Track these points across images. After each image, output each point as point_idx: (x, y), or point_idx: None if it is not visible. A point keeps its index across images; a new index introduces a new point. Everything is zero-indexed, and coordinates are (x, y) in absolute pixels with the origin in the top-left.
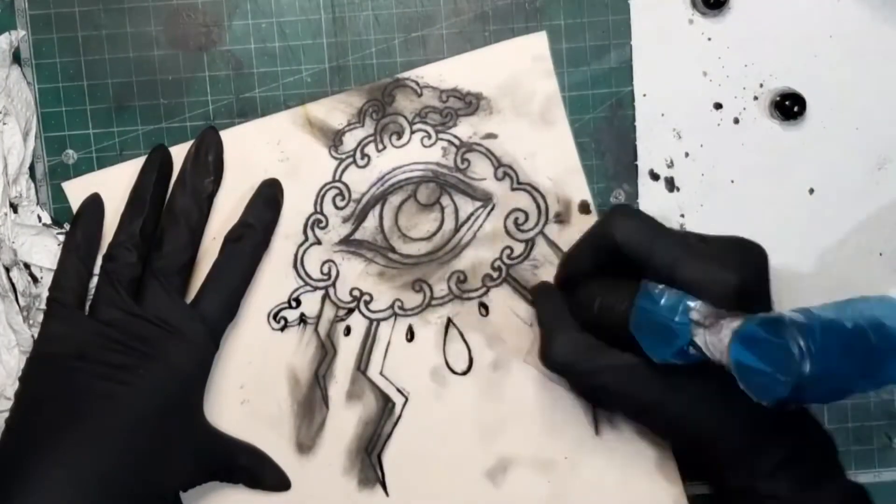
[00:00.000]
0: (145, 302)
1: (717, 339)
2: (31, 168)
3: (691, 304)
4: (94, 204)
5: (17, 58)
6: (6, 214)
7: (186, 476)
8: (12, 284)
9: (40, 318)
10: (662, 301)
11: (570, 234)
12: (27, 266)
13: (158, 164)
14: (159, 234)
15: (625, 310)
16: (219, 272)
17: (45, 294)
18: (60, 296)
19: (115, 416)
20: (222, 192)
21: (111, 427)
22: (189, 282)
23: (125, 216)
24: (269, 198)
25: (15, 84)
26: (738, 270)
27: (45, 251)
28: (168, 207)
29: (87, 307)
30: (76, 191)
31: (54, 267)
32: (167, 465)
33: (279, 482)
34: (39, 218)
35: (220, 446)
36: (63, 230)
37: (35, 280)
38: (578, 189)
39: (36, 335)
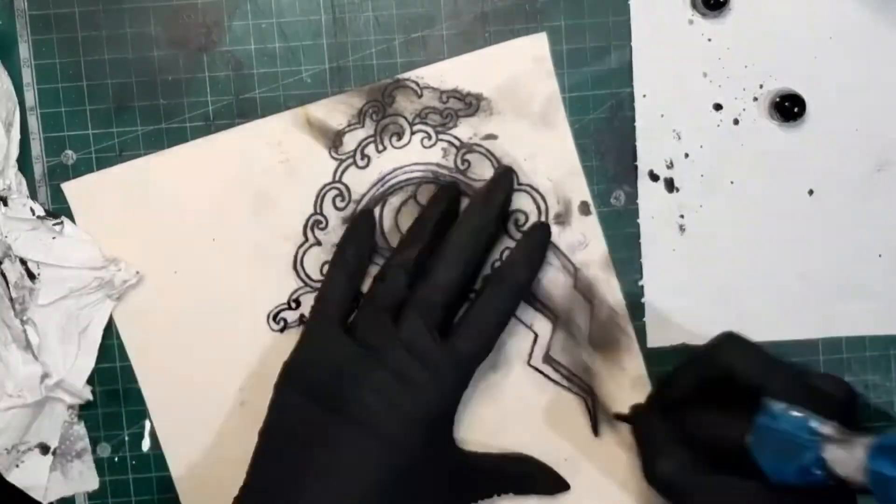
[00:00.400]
0: (402, 330)
1: (849, 454)
2: (28, 165)
3: (818, 422)
4: (367, 218)
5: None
6: None
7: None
8: (4, 277)
9: (32, 312)
10: (789, 417)
11: (570, 235)
12: (23, 262)
13: (447, 198)
14: (430, 263)
15: (740, 434)
16: (479, 309)
17: (41, 288)
18: (325, 308)
19: (361, 464)
20: (221, 194)
21: (356, 479)
22: (451, 320)
23: (404, 241)
24: (539, 240)
25: None
26: (847, 402)
27: (41, 246)
28: (448, 239)
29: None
30: (75, 192)
31: (50, 261)
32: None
33: (556, 484)
34: (33, 211)
35: (479, 466)
36: (59, 222)
37: (32, 276)
38: (578, 190)
39: (32, 328)
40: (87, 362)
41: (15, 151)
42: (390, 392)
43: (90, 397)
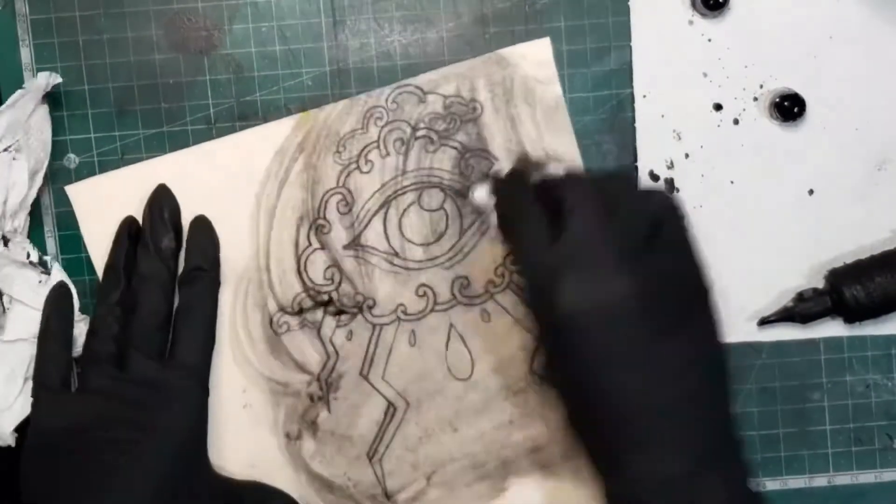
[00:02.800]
0: (130, 369)
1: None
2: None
3: None
4: (62, 292)
5: (49, 98)
6: None
7: None
8: None
9: None
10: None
11: None
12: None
13: (126, 234)
14: (132, 299)
15: None
16: (185, 319)
17: (6, 325)
18: (45, 380)
19: (124, 489)
20: (230, 200)
21: (123, 501)
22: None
23: (102, 291)
24: (207, 235)
25: (37, 123)
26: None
27: (25, 284)
28: (138, 273)
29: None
30: (78, 195)
31: (28, 302)
32: None
33: None
34: (28, 255)
35: (229, 493)
36: (46, 272)
37: (3, 309)
38: None
39: None
40: (24, 407)
41: (32, 197)
42: (130, 432)
43: (12, 443)
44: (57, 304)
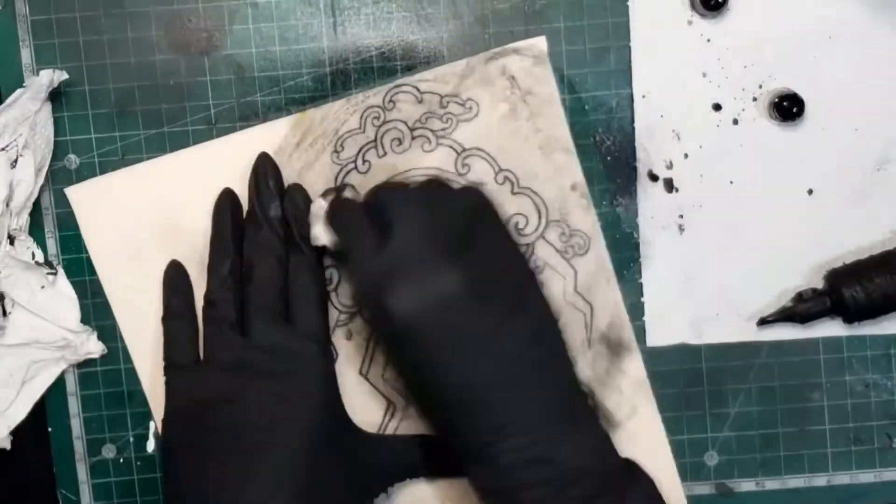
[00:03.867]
0: (253, 337)
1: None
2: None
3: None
4: (177, 271)
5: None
6: (0, 242)
7: (366, 492)
8: None
9: None
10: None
11: (569, 237)
12: (2, 297)
13: (229, 206)
14: (247, 269)
15: None
16: (298, 286)
17: (8, 328)
18: (175, 359)
19: (269, 467)
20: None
21: (267, 480)
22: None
23: (213, 262)
24: (304, 200)
25: (42, 121)
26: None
27: (26, 288)
28: (249, 242)
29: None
30: (79, 196)
31: (30, 308)
32: (339, 490)
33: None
34: (33, 255)
35: (386, 449)
36: (53, 272)
37: (5, 313)
38: (578, 191)
39: None
40: (19, 413)
41: (35, 195)
42: (267, 399)
43: (7, 446)
44: (174, 283)
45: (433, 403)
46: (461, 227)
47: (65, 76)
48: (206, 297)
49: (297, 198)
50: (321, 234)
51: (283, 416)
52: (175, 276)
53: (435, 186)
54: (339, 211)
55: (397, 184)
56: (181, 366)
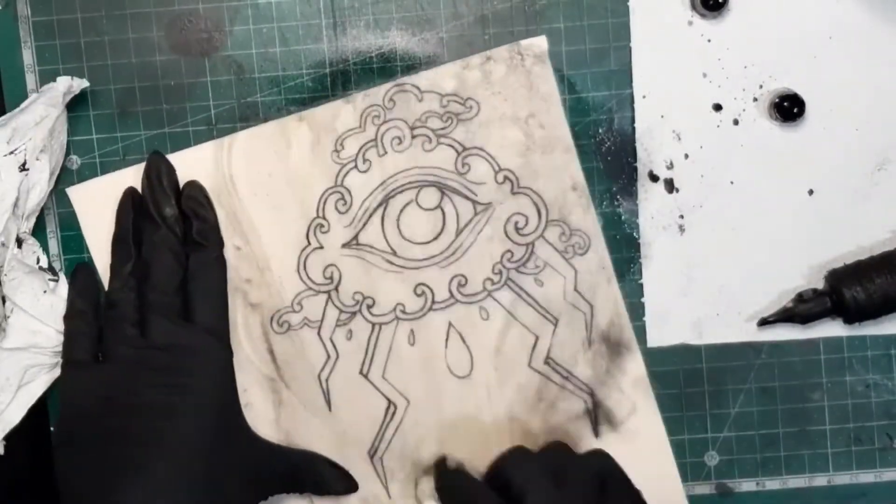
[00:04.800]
0: (152, 334)
1: None
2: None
3: None
4: (85, 272)
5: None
6: (8, 246)
7: (251, 494)
8: None
9: None
10: None
11: (570, 237)
12: (3, 300)
13: (130, 205)
14: (145, 267)
15: None
16: (197, 283)
17: (8, 330)
18: (73, 356)
19: (164, 455)
20: (230, 201)
21: (163, 468)
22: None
23: (114, 263)
24: (203, 197)
25: (58, 126)
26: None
27: (30, 292)
28: (146, 241)
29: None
30: (80, 196)
31: (30, 311)
32: (229, 487)
33: (347, 485)
34: (38, 259)
35: (278, 457)
36: (55, 278)
37: (4, 316)
38: (578, 191)
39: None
40: (14, 417)
41: (45, 199)
42: (164, 394)
43: (0, 451)
44: (81, 284)
45: None
46: (591, 492)
47: (85, 84)
48: (108, 297)
49: (197, 194)
50: None
51: (178, 410)
52: (81, 277)
53: (559, 451)
54: (455, 480)
55: (519, 452)
56: (79, 362)
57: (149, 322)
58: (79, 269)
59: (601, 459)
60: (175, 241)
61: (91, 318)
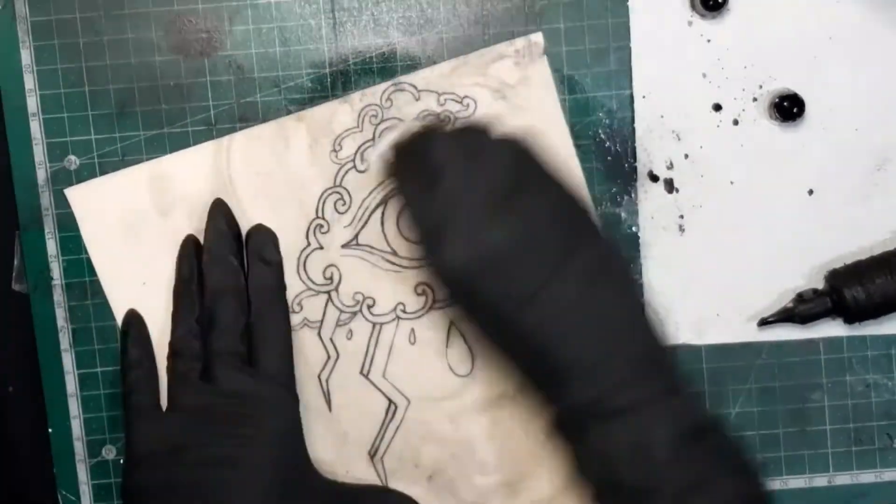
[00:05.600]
0: (218, 383)
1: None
2: (31, 170)
3: None
4: (137, 319)
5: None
6: None
7: None
8: None
9: None
10: None
11: None
12: None
13: (192, 251)
14: (208, 315)
15: None
16: (261, 327)
17: None
18: (136, 404)
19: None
20: (229, 201)
21: None
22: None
23: (177, 311)
24: (266, 238)
25: None
26: None
27: None
28: (209, 288)
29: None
30: (78, 197)
31: None
32: None
33: None
34: None
35: (343, 496)
36: None
37: None
38: (577, 189)
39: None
40: None
41: None
42: (232, 445)
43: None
44: (135, 334)
45: (499, 346)
46: (507, 176)
47: None
48: (172, 347)
49: (265, 237)
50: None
51: (244, 461)
52: (134, 327)
53: (477, 132)
54: (399, 154)
55: (436, 128)
56: (145, 411)
57: (215, 371)
58: (130, 320)
59: (518, 143)
60: (239, 287)
61: (149, 365)
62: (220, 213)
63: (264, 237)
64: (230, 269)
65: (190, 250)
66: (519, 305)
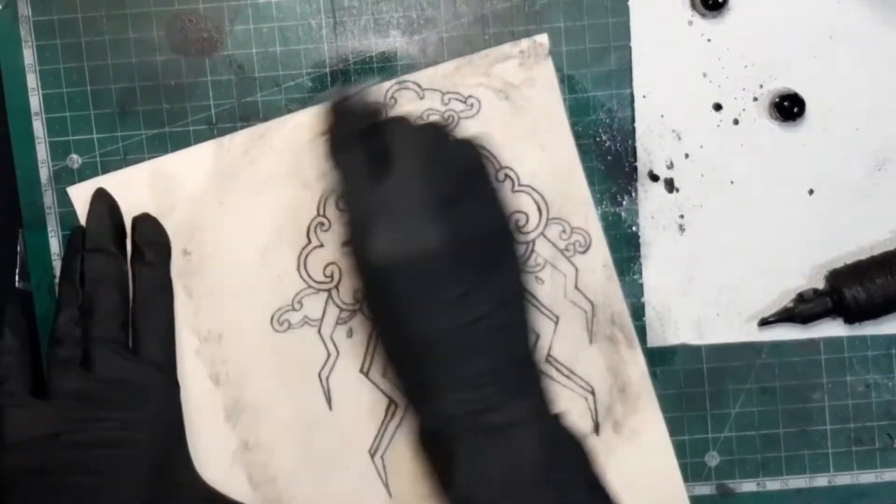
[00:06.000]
0: (98, 369)
1: None
2: (33, 169)
3: None
4: (14, 307)
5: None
6: None
7: None
8: None
9: None
10: None
11: (570, 236)
12: None
13: (80, 241)
14: (88, 302)
15: None
16: (143, 315)
17: None
18: (9, 391)
19: (114, 484)
20: (231, 199)
21: (113, 497)
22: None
23: (60, 300)
24: (153, 228)
25: None
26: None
27: None
28: (88, 276)
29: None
30: (81, 196)
31: None
32: None
33: None
34: None
35: (215, 500)
36: None
37: None
38: (579, 190)
39: None
40: None
41: None
42: (110, 430)
43: None
44: (11, 319)
45: (393, 345)
46: (454, 180)
47: None
48: (53, 334)
49: (150, 222)
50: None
51: (126, 442)
52: (11, 313)
53: (438, 131)
54: (339, 138)
55: (401, 118)
56: (17, 399)
57: (94, 356)
58: (8, 307)
59: (472, 149)
60: (120, 274)
61: (21, 351)
62: (102, 201)
63: (149, 225)
64: (110, 257)
65: (77, 240)
66: (428, 311)
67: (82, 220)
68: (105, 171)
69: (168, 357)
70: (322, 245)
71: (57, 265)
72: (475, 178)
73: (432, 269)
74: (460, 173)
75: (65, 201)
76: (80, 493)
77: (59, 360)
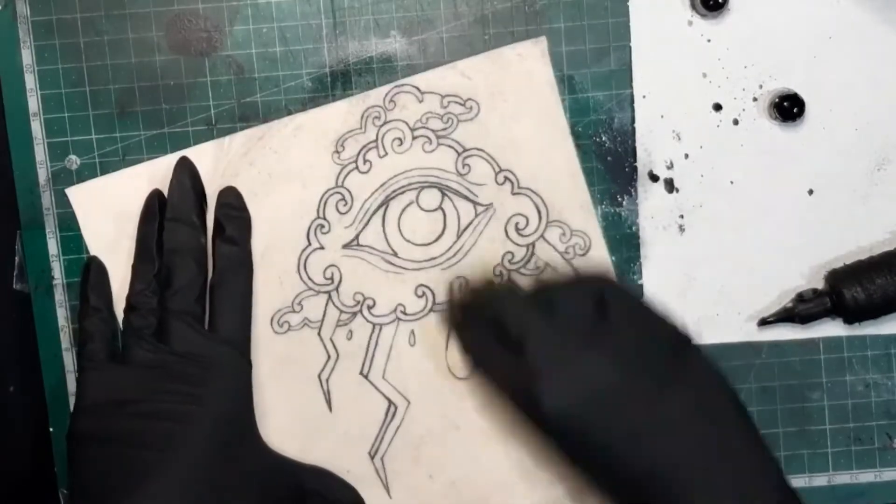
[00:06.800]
0: (171, 342)
1: None
2: (32, 170)
3: None
4: (97, 269)
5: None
6: None
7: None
8: None
9: None
10: None
11: (570, 237)
12: None
13: (156, 208)
14: (165, 273)
15: None
16: (221, 291)
17: None
18: (91, 355)
19: (176, 461)
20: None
21: (175, 474)
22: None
23: (137, 267)
24: (236, 204)
25: None
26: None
27: None
28: (167, 246)
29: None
30: (79, 196)
31: None
32: (240, 496)
33: (353, 501)
34: None
35: (286, 471)
36: None
37: None
38: (578, 191)
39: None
40: None
41: None
42: (179, 402)
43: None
44: (94, 280)
45: (602, 483)
46: (586, 312)
47: None
48: (129, 301)
49: (232, 199)
50: None
51: (192, 418)
52: (94, 274)
53: (548, 287)
54: (467, 333)
55: (506, 288)
56: (97, 361)
57: (169, 328)
58: (91, 265)
59: (593, 278)
60: (200, 247)
61: (107, 315)
62: (185, 170)
63: (233, 200)
64: (191, 228)
65: (154, 206)
66: (631, 437)
67: (81, 222)
68: (104, 171)
69: (243, 335)
70: (322, 247)
71: (56, 266)
72: (609, 298)
73: (614, 393)
74: (588, 302)
75: (63, 202)
76: (146, 461)
77: (134, 328)
